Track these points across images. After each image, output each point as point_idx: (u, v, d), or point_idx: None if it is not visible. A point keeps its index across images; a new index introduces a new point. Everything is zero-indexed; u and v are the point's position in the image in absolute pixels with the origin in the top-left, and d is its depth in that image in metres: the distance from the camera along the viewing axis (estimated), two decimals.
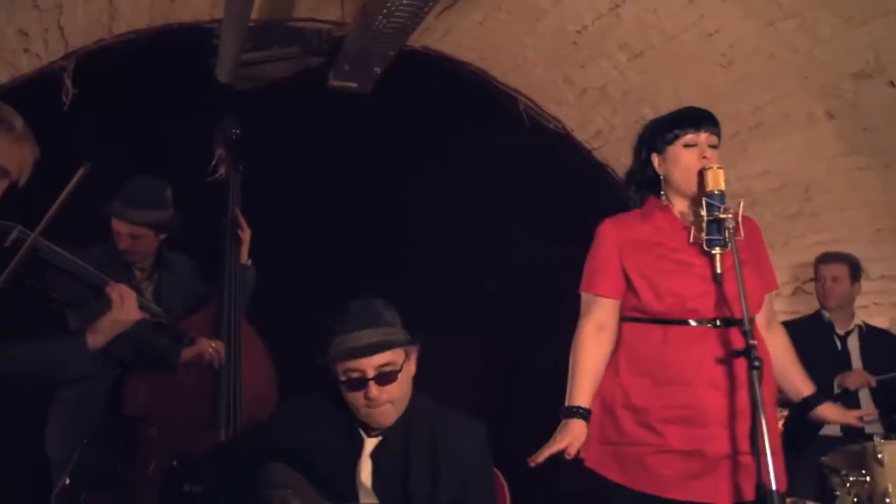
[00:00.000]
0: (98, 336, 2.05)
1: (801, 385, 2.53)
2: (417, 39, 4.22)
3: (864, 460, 2.91)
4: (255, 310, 3.58)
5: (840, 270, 3.91)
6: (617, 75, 4.24)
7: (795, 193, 4.06)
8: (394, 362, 2.12)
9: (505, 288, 4.98)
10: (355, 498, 2.15)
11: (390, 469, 2.17)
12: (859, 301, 4.02)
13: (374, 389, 2.09)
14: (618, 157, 4.87)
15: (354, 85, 4.24)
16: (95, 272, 2.11)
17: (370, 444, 2.18)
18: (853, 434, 3.68)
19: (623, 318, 2.48)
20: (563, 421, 2.40)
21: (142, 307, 2.13)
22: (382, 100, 4.39)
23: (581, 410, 2.40)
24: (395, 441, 2.18)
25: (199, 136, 4.13)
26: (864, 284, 4.02)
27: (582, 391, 2.42)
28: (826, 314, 3.92)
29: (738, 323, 2.24)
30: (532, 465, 2.34)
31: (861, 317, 4.02)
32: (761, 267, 2.48)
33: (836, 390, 3.74)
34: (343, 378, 2.11)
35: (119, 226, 3.04)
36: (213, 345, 2.98)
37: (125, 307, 2.07)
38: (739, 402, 2.26)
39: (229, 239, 3.21)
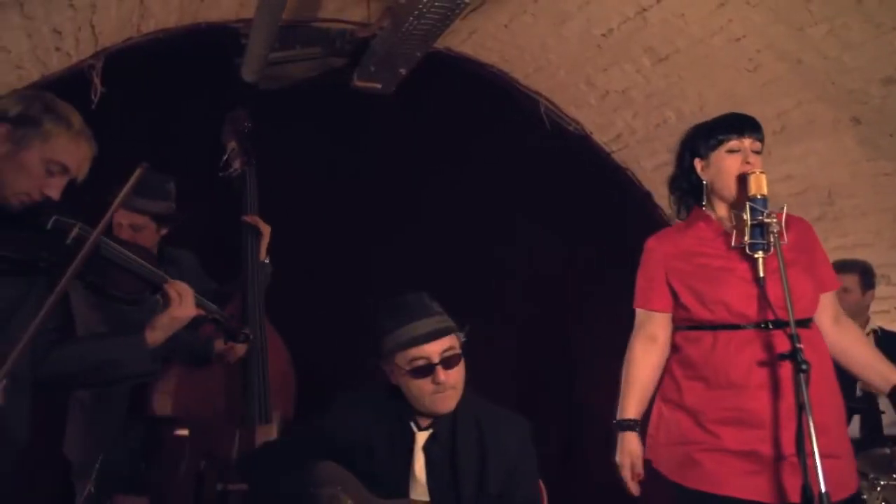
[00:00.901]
0: (157, 333, 2.07)
1: (887, 372, 2.53)
2: (441, 41, 4.23)
3: (895, 464, 2.94)
4: (274, 307, 3.59)
5: (850, 281, 3.91)
6: (640, 79, 4.25)
7: (818, 198, 4.08)
8: (454, 346, 2.22)
9: (521, 289, 5.01)
10: (407, 491, 2.20)
11: (440, 461, 2.23)
12: (881, 306, 4.04)
13: (441, 373, 2.17)
14: (637, 160, 4.90)
15: (378, 86, 4.26)
16: (153, 269, 2.11)
17: (421, 437, 2.25)
18: (875, 437, 3.72)
19: (676, 328, 2.56)
20: (619, 435, 2.54)
21: (198, 304, 2.15)
22: (403, 100, 4.41)
23: (631, 422, 2.53)
24: (445, 434, 2.25)
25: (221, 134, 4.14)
26: (886, 289, 4.04)
27: (632, 403, 2.55)
28: None
29: (786, 325, 2.26)
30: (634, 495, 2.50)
31: (882, 322, 4.04)
32: (815, 267, 2.51)
33: (859, 393, 3.76)
34: (408, 368, 2.18)
35: (120, 216, 2.97)
36: (239, 346, 2.96)
37: (183, 304, 2.08)
38: (791, 404, 2.29)
39: (250, 235, 3.20)
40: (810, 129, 3.86)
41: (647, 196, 4.96)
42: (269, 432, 2.82)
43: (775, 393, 2.33)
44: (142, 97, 4.02)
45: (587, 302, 5.04)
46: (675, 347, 2.56)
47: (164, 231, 3.15)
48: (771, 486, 2.31)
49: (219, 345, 2.87)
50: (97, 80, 3.76)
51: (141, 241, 3.01)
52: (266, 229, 3.28)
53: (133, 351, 2.05)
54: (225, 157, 3.34)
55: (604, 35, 4.06)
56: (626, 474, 2.49)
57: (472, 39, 4.47)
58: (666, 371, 2.56)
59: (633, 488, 2.50)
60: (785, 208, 2.36)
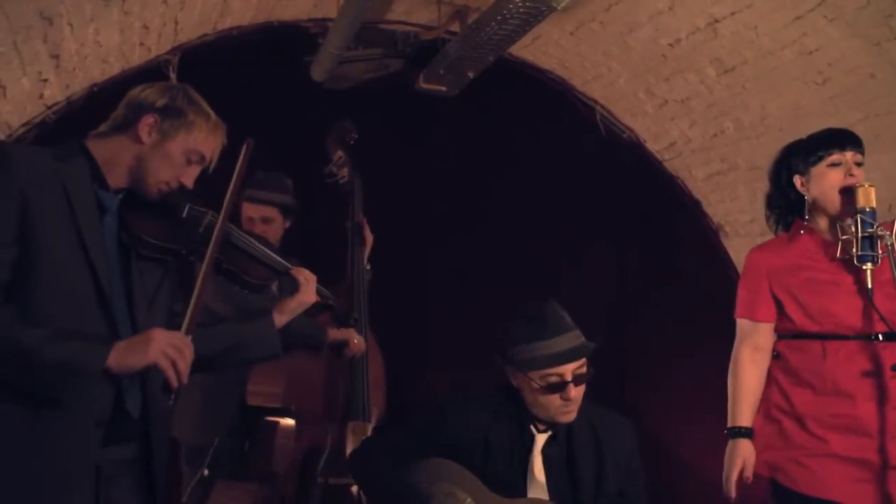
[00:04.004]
0: (284, 317, 2.15)
1: None
2: None
3: None
4: None
5: None
6: (703, 89, 4.30)
7: (879, 211, 4.11)
8: (584, 364, 2.27)
9: (574, 291, 5.05)
10: (525, 491, 2.25)
11: (558, 463, 2.28)
12: None
13: (573, 391, 2.24)
14: (689, 169, 4.94)
15: (444, 88, 4.29)
16: (277, 256, 2.17)
17: (541, 439, 2.30)
18: None
19: (780, 336, 2.62)
20: (731, 442, 2.59)
21: (316, 291, 2.21)
22: (461, 103, 4.45)
23: (745, 430, 2.58)
24: (562, 436, 2.29)
25: (289, 132, 4.19)
26: None
27: (745, 411, 2.59)
28: None
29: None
30: (730, 497, 2.55)
31: None
32: None
33: None
34: (540, 384, 2.22)
35: (251, 210, 3.17)
36: (358, 338, 3.04)
37: (309, 290, 2.16)
38: None
39: (355, 240, 3.28)
40: (876, 143, 3.89)
41: (697, 204, 5.00)
42: (367, 431, 2.88)
43: (883, 404, 2.38)
44: (212, 93, 4.05)
45: (639, 306, 5.09)
46: (777, 355, 2.61)
47: (287, 224, 3.31)
48: (877, 495, 2.36)
49: (333, 334, 2.95)
50: (173, 76, 3.80)
51: (270, 234, 3.14)
52: (370, 237, 3.37)
53: (264, 334, 2.13)
54: (329, 166, 3.45)
55: (671, 45, 4.10)
56: (734, 475, 2.54)
57: (534, 45, 4.52)
58: (769, 379, 2.62)
59: (734, 489, 2.55)
60: None
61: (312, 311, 2.37)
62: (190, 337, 1.86)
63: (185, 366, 1.82)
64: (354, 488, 2.78)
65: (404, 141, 4.66)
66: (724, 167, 4.72)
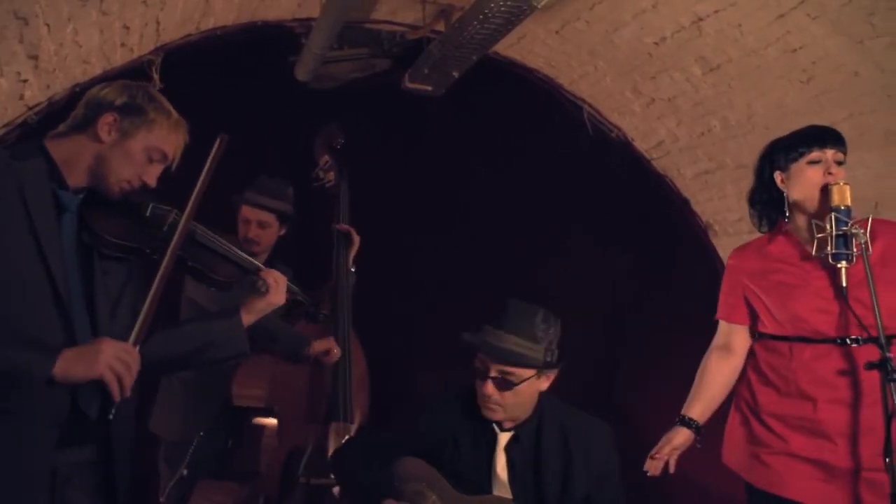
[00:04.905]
0: (251, 316, 2.16)
1: None
2: None
3: None
4: None
5: None
6: (689, 87, 4.29)
7: (865, 209, 4.09)
8: (517, 375, 2.24)
9: (563, 290, 5.04)
10: (489, 489, 2.25)
11: (522, 463, 2.28)
12: None
13: (489, 387, 2.24)
14: (677, 168, 4.93)
15: (429, 88, 4.29)
16: (244, 255, 2.17)
17: (503, 438, 2.31)
18: None
19: (759, 336, 2.64)
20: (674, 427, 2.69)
21: (286, 290, 2.22)
22: (448, 102, 4.45)
23: (687, 419, 2.68)
24: (528, 437, 2.30)
25: (274, 132, 4.18)
26: None
27: (694, 404, 2.70)
28: None
29: (867, 341, 2.30)
30: (650, 474, 2.63)
31: None
32: None
33: None
34: (475, 363, 2.21)
35: (249, 213, 3.21)
36: (336, 347, 3.05)
37: (279, 291, 2.17)
38: (869, 420, 2.32)
39: (342, 244, 3.30)
40: (860, 141, 3.88)
41: (685, 203, 5.00)
42: (349, 432, 2.89)
43: (851, 407, 2.37)
44: (196, 93, 4.05)
45: (628, 305, 5.08)
46: (754, 355, 2.63)
47: (283, 231, 3.33)
48: (843, 496, 2.35)
49: (316, 346, 2.96)
50: (156, 76, 3.79)
51: (265, 238, 3.18)
52: (357, 239, 3.38)
53: (231, 332, 2.13)
54: (316, 170, 3.48)
55: (656, 43, 4.09)
56: (654, 451, 2.64)
57: (520, 44, 4.51)
58: (743, 376, 2.65)
59: (652, 466, 2.65)
60: (871, 217, 2.38)
61: (283, 312, 2.37)
62: (138, 347, 1.83)
63: (130, 380, 1.79)
64: (335, 489, 2.78)
65: (391, 140, 4.66)
66: (711, 166, 4.71)
